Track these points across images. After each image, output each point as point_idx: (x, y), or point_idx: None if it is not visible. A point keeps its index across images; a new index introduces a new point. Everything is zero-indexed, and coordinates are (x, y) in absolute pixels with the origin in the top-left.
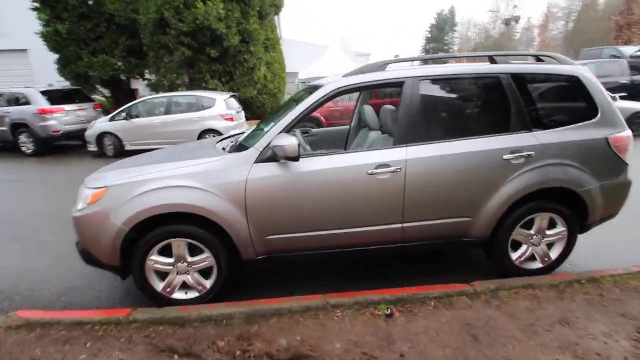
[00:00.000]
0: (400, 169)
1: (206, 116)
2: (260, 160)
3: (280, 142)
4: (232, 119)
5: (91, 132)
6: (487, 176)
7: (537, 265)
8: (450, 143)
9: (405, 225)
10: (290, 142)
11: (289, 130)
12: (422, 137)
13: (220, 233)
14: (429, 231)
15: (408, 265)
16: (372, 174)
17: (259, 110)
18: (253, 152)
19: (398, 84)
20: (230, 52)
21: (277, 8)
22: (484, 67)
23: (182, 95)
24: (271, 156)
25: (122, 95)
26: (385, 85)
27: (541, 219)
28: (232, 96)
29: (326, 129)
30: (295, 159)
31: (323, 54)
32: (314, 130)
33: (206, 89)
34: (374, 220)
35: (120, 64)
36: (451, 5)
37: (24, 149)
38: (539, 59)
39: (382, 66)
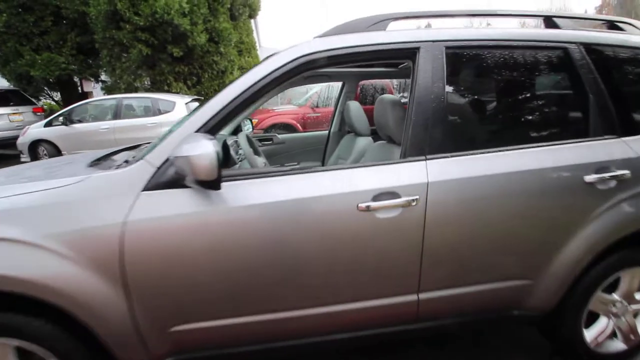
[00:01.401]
0: (417, 199)
1: (163, 121)
2: (155, 184)
3: (186, 149)
4: None
5: (23, 140)
6: (560, 210)
7: (618, 346)
8: (499, 155)
9: (422, 296)
10: (203, 149)
11: (211, 129)
12: (451, 144)
13: (76, 325)
14: (459, 304)
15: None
16: (366, 210)
17: None
18: (141, 169)
19: (407, 53)
20: (197, 52)
21: (252, 10)
22: (545, 32)
23: (134, 98)
24: (174, 177)
25: (73, 99)
26: (384, 54)
27: (631, 277)
28: (194, 99)
29: (297, 134)
30: (213, 183)
31: None
32: (281, 137)
33: (169, 92)
34: (369, 292)
35: (68, 63)
36: None
37: None
38: (613, 26)
39: (378, 22)
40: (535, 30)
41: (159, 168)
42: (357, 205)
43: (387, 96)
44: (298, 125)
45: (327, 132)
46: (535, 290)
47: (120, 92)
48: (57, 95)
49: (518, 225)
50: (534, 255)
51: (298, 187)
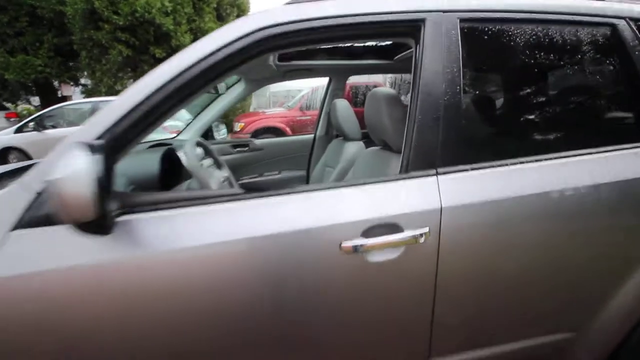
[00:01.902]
0: (426, 233)
1: None
2: (31, 219)
3: (56, 169)
4: (179, 132)
5: None
6: (624, 239)
7: None
8: (539, 166)
9: None
10: (71, 169)
11: (120, 136)
12: (472, 152)
13: None
14: None
15: None
16: (353, 251)
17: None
18: (13, 196)
19: (407, 27)
20: None
21: (240, 10)
22: (586, 4)
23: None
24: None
25: (52, 104)
26: (376, 28)
27: None
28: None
29: (278, 139)
30: (94, 225)
31: None
32: (260, 142)
33: None
34: None
35: (45, 65)
36: None
37: None
38: None
39: None
40: (575, 1)
41: (39, 194)
42: (340, 245)
43: (380, 90)
44: (287, 129)
45: (312, 136)
46: (579, 343)
47: (101, 96)
48: (36, 100)
49: (569, 263)
50: (584, 300)
51: (251, 220)
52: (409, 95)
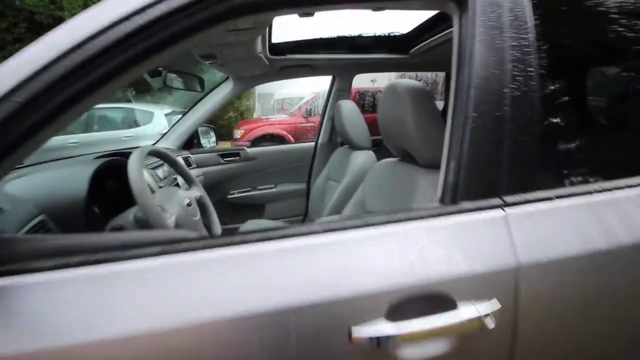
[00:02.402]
0: (498, 313)
1: (140, 135)
2: None
3: None
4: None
5: None
6: None
7: None
8: None
9: None
10: None
11: None
12: (561, 171)
13: None
14: None
15: None
16: (375, 345)
17: (222, 130)
18: None
19: None
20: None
21: None
22: None
23: (107, 108)
24: None
25: None
26: None
27: None
28: (175, 111)
29: (274, 147)
30: None
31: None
32: (253, 150)
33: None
34: None
35: None
36: None
37: None
38: None
39: None
40: None
41: None
42: (350, 333)
43: (403, 82)
44: (289, 136)
45: (313, 143)
46: None
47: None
48: None
49: None
50: None
51: (209, 290)
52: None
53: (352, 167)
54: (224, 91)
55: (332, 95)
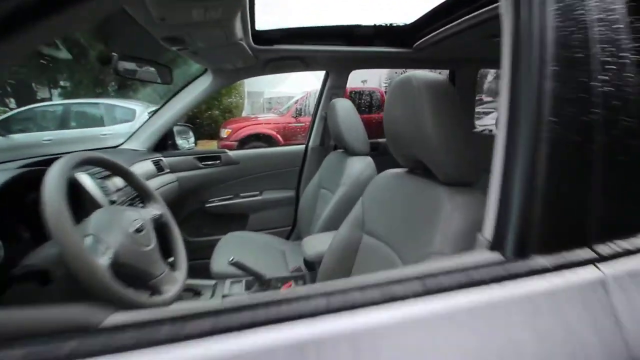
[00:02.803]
0: None
1: (120, 133)
2: None
3: None
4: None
5: None
6: None
7: None
8: None
9: None
10: None
11: None
12: None
13: None
14: None
15: None
16: None
17: (208, 128)
18: None
19: None
20: None
21: None
22: None
23: (86, 103)
24: None
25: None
26: None
27: None
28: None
29: (260, 150)
30: None
31: (289, 75)
32: (235, 154)
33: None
34: None
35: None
36: None
37: None
38: None
39: None
40: None
41: None
42: None
43: (419, 75)
44: (278, 136)
45: (303, 146)
46: None
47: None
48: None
49: None
50: None
51: None
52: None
53: (348, 175)
54: (202, 86)
55: (325, 93)
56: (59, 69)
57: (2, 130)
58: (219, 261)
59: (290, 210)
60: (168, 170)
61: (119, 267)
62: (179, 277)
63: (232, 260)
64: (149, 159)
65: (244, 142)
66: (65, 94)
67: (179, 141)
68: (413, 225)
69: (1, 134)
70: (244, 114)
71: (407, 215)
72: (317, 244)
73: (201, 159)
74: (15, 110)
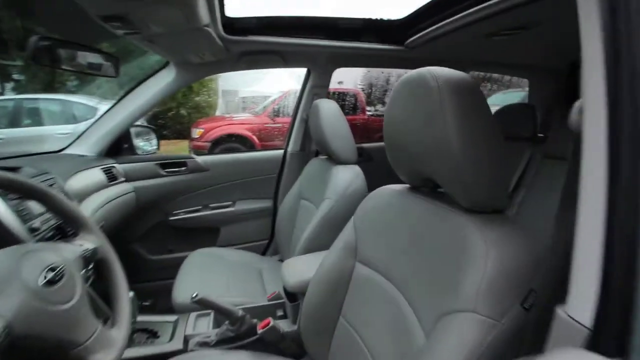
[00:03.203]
0: None
1: (79, 131)
2: None
3: None
4: None
5: None
6: None
7: None
8: None
9: None
10: None
11: None
12: None
13: None
14: None
15: None
16: None
17: (180, 127)
18: None
19: None
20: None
21: None
22: None
23: (41, 99)
24: None
25: None
26: None
27: None
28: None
29: (230, 156)
30: None
31: (265, 74)
32: (203, 159)
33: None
34: None
35: None
36: None
37: None
38: None
39: None
40: None
41: None
42: None
43: (437, 70)
44: (254, 137)
45: (282, 152)
46: None
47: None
48: None
49: None
50: None
51: None
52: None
53: (334, 187)
54: (164, 81)
55: (306, 93)
56: (10, 60)
57: None
58: (182, 289)
59: (267, 222)
60: (123, 179)
61: (16, 343)
62: (117, 337)
63: (196, 297)
64: (97, 166)
65: (217, 143)
66: (19, 89)
67: (140, 144)
68: (426, 263)
69: None
70: (218, 113)
71: (416, 248)
72: (299, 270)
73: (164, 166)
74: None
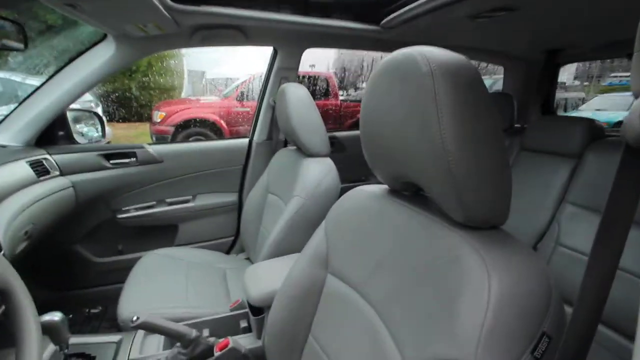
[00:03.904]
0: None
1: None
2: None
3: None
4: None
5: None
6: None
7: None
8: None
9: None
10: None
11: None
12: None
13: None
14: None
15: None
16: None
17: (141, 109)
18: None
19: None
20: None
21: None
22: None
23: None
24: None
25: None
26: None
27: None
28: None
29: (187, 145)
30: None
31: (234, 54)
32: (156, 149)
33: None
34: None
35: None
36: None
37: None
38: None
39: None
40: None
41: None
42: None
43: (429, 51)
44: (222, 122)
45: (247, 140)
46: None
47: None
48: None
49: None
50: None
51: None
52: None
53: (303, 183)
54: (102, 57)
55: (272, 76)
56: None
57: None
58: (129, 301)
59: (232, 218)
60: (57, 173)
61: None
62: None
63: (136, 320)
64: (22, 159)
65: (183, 128)
66: (5, 67)
67: (81, 130)
68: (410, 285)
69: None
70: (183, 95)
71: (397, 264)
72: (264, 281)
73: (109, 156)
74: None
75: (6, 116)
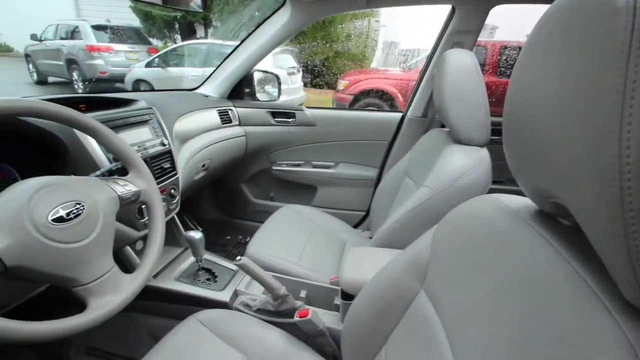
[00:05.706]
0: None
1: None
2: None
3: None
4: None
5: (128, 77)
6: None
7: None
8: None
9: None
10: None
11: None
12: None
13: None
14: None
15: None
16: None
17: (332, 77)
18: None
19: None
20: None
21: None
22: None
23: (226, 45)
24: None
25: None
26: None
27: None
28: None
29: (340, 112)
30: None
31: (434, 24)
32: (312, 113)
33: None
34: None
35: None
36: None
37: (77, 88)
38: None
39: None
40: None
41: None
42: None
43: None
44: (398, 95)
45: (399, 115)
46: None
47: (227, 39)
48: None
49: None
50: None
51: None
52: None
53: (439, 173)
54: (279, 23)
55: (443, 42)
56: (211, 10)
57: (162, 63)
58: (258, 242)
59: (367, 193)
60: (236, 123)
61: (11, 272)
62: (128, 285)
63: (238, 261)
64: (215, 107)
65: (360, 97)
66: (215, 34)
67: (261, 89)
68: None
69: (161, 66)
70: (374, 65)
71: (501, 323)
72: (361, 268)
73: (274, 114)
74: (172, 46)
75: (211, 73)
